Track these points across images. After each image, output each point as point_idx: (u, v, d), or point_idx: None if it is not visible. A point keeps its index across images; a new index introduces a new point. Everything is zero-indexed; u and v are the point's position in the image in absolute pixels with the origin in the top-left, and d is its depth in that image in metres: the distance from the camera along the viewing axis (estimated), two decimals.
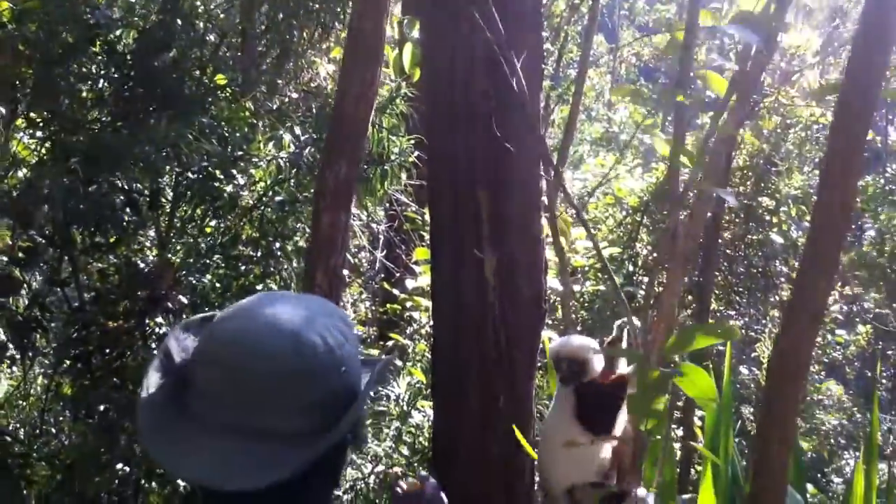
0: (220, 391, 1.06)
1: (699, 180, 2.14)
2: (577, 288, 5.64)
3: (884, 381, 12.56)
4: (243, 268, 3.52)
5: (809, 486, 6.98)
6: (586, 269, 5.79)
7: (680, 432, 6.05)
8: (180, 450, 1.06)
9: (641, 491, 2.18)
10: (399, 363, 4.65)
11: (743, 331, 8.61)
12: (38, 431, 3.98)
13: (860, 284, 9.82)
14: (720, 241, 6.95)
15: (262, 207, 3.68)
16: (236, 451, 1.03)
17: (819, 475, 9.51)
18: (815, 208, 1.43)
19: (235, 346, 1.06)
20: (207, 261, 3.49)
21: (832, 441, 10.15)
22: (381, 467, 4.27)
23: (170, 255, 3.52)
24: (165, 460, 1.10)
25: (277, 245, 3.58)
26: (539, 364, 4.58)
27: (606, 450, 2.21)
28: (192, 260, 3.43)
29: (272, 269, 3.58)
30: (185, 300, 3.30)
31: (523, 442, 3.10)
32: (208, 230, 3.80)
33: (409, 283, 4.57)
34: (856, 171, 1.36)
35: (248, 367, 1.05)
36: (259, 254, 3.62)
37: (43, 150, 3.66)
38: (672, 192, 2.53)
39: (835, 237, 1.37)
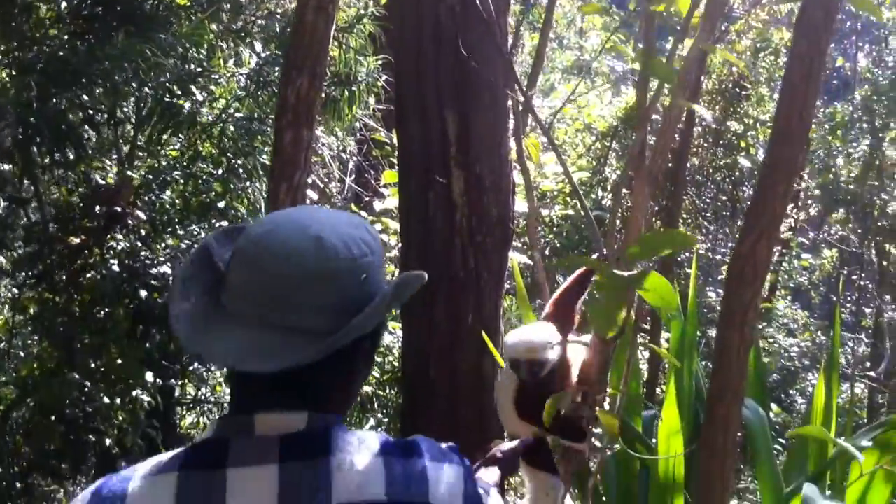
0: (247, 288, 1.14)
1: (669, 96, 2.14)
2: (545, 212, 5.66)
3: (848, 304, 12.81)
4: (204, 185, 3.51)
5: (773, 406, 7.16)
6: (555, 193, 5.80)
7: (646, 354, 6.16)
8: (212, 339, 1.15)
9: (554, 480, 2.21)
10: None
11: (710, 254, 8.72)
12: (6, 357, 3.99)
13: (826, 209, 9.92)
14: (689, 165, 6.98)
15: (222, 124, 3.66)
16: (257, 340, 1.12)
17: (783, 396, 9.74)
18: (776, 114, 1.44)
19: (262, 245, 1.14)
20: (167, 178, 3.47)
21: (796, 363, 10.38)
22: None
23: (130, 173, 3.48)
24: (200, 350, 1.18)
25: (239, 163, 3.57)
26: (507, 285, 4.63)
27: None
28: (151, 177, 3.40)
29: (234, 186, 3.57)
30: (143, 216, 3.29)
31: (495, 353, 3.14)
32: (172, 153, 3.76)
33: (378, 206, 4.56)
34: (816, 76, 1.36)
35: (272, 266, 1.12)
36: (220, 171, 3.61)
37: (0, 68, 3.58)
38: (640, 107, 2.53)
39: (795, 141, 1.39)
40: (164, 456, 1.17)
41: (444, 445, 1.26)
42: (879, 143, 9.09)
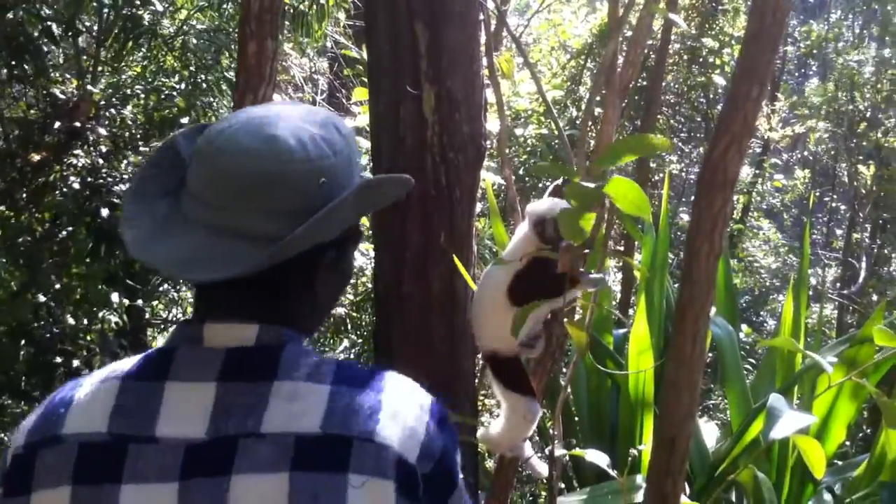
0: (200, 188, 1.08)
1: (641, 9, 2.09)
2: (519, 132, 5.61)
3: (820, 226, 12.93)
4: (166, 99, 3.43)
5: (744, 326, 7.26)
6: (529, 112, 5.74)
7: (619, 275, 6.19)
8: (160, 245, 1.09)
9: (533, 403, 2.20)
10: None
11: (683, 174, 8.73)
12: None
13: (804, 124, 9.91)
14: (663, 83, 6.92)
15: (185, 37, 3.55)
16: (205, 245, 1.06)
17: (754, 317, 9.88)
18: (749, 14, 1.40)
19: (216, 144, 1.07)
20: (129, 92, 3.38)
21: (767, 283, 10.50)
22: None
23: (90, 88, 3.39)
24: (145, 257, 1.10)
25: (203, 76, 3.48)
26: (481, 206, 4.60)
27: (536, 319, 2.17)
28: (112, 92, 3.31)
29: (198, 101, 3.49)
30: (104, 132, 3.20)
31: (466, 276, 3.13)
32: (134, 68, 3.67)
33: (348, 123, 4.47)
34: None
35: (223, 165, 1.06)
36: (183, 85, 3.52)
37: None
38: (611, 18, 2.48)
39: (767, 43, 1.35)
40: (120, 363, 1.11)
41: (418, 386, 1.15)
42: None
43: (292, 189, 1.05)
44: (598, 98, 3.81)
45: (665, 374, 1.54)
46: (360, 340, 4.37)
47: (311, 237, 1.06)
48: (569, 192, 1.40)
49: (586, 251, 2.05)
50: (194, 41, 3.57)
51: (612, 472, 1.99)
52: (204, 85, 3.56)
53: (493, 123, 3.91)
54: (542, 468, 2.30)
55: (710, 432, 3.70)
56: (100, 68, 3.61)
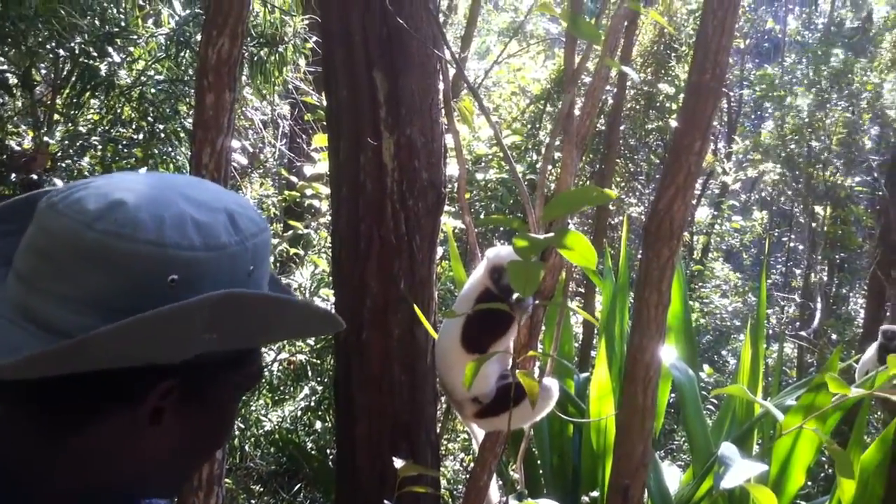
0: (18, 252, 0.81)
1: (597, 58, 2.14)
2: (480, 176, 5.65)
3: (779, 265, 13.12)
4: (125, 150, 3.42)
5: (706, 367, 7.31)
6: (490, 157, 5.79)
7: (581, 318, 6.22)
8: None
9: (547, 380, 2.23)
10: (301, 252, 4.62)
11: (643, 218, 8.82)
12: None
13: (756, 168, 10.10)
14: (621, 128, 7.03)
15: (142, 87, 3.55)
16: None
17: (716, 357, 9.95)
18: (690, 69, 1.44)
19: (55, 199, 0.79)
20: (86, 143, 3.36)
21: (728, 323, 10.60)
22: (284, 354, 4.29)
23: (47, 139, 3.37)
24: None
25: (161, 127, 3.48)
26: (442, 250, 4.62)
27: (505, 355, 2.20)
28: (68, 143, 3.29)
29: (156, 151, 3.48)
30: (60, 183, 3.18)
31: (425, 323, 3.14)
32: (93, 116, 3.65)
33: (308, 170, 4.50)
34: (729, 30, 1.36)
35: (44, 226, 0.78)
36: (141, 136, 3.52)
37: None
38: (567, 68, 2.52)
39: (709, 96, 1.39)
40: None
41: None
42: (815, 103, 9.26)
43: (121, 275, 0.75)
44: (557, 143, 3.87)
45: (617, 423, 1.56)
46: (320, 388, 4.35)
47: (121, 346, 0.73)
48: (516, 244, 1.42)
49: (543, 301, 2.07)
50: (152, 91, 3.57)
51: None
52: (162, 135, 3.55)
53: (452, 168, 3.95)
54: None
55: (672, 475, 3.71)
56: (56, 118, 3.60)
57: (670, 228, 1.46)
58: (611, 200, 1.33)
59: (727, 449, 1.66)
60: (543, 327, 3.31)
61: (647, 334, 1.51)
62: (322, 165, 4.27)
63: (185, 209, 0.78)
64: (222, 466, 2.30)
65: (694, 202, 11.06)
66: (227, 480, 3.96)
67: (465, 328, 2.19)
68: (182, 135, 3.61)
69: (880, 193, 9.19)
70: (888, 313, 8.59)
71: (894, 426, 3.03)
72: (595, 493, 2.80)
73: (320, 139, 4.05)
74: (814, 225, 9.95)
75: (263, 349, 4.18)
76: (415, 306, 3.12)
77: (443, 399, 4.69)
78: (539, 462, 3.78)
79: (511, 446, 3.39)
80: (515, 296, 1.96)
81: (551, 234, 1.43)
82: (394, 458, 2.28)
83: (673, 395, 5.37)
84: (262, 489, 4.33)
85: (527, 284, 1.53)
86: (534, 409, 2.10)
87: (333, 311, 3.57)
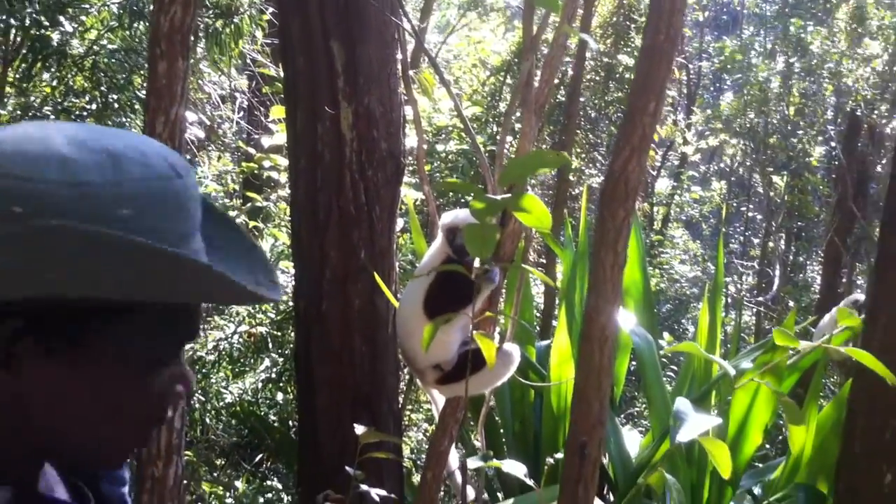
0: None
1: (556, 27, 2.13)
2: (441, 148, 5.65)
3: (737, 235, 13.29)
4: (77, 121, 3.36)
5: (666, 334, 7.40)
6: (450, 128, 5.78)
7: (542, 287, 6.25)
8: None
9: (508, 346, 2.23)
10: (261, 225, 4.59)
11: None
12: None
13: (717, 138, 10.20)
14: (581, 100, 7.05)
15: (95, 57, 3.49)
16: None
17: (675, 325, 10.08)
18: (644, 32, 1.45)
19: None
20: (38, 114, 3.31)
21: (687, 292, 10.74)
22: (244, 327, 4.28)
23: None
24: None
25: (114, 97, 3.42)
26: (401, 223, 4.62)
27: (462, 327, 2.20)
28: (20, 114, 3.24)
29: (109, 123, 3.43)
30: None
31: (386, 293, 3.14)
32: (45, 88, 3.59)
33: (266, 142, 4.46)
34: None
35: None
36: (94, 107, 3.46)
37: None
38: (525, 37, 2.52)
39: (662, 59, 1.40)
40: None
41: None
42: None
43: None
44: (515, 114, 3.87)
45: (574, 383, 1.57)
46: (281, 360, 4.34)
47: None
48: (472, 206, 1.42)
49: (502, 264, 2.07)
50: (105, 61, 3.51)
51: (531, 482, 2.01)
52: (116, 105, 3.50)
53: (412, 140, 3.94)
54: (470, 491, 2.31)
55: (633, 440, 3.76)
56: (7, 90, 3.52)
57: (625, 189, 1.47)
58: (567, 164, 1.34)
59: (682, 404, 1.69)
60: (504, 294, 3.33)
61: (603, 295, 1.52)
62: (280, 137, 4.24)
63: (58, 147, 0.74)
64: (181, 436, 2.29)
65: (654, 173, 11.15)
66: (187, 453, 3.95)
67: (428, 296, 2.18)
68: (136, 106, 3.56)
69: (836, 163, 9.33)
70: (844, 279, 8.75)
71: (849, 386, 3.08)
72: (558, 455, 2.82)
73: (278, 110, 4.02)
74: (772, 194, 10.08)
75: (223, 323, 4.13)
76: (375, 276, 3.12)
77: (405, 370, 4.70)
78: (501, 429, 3.81)
79: (473, 412, 3.41)
80: (483, 267, 1.97)
81: (507, 196, 1.43)
82: (354, 426, 2.28)
83: (633, 363, 5.43)
84: (224, 462, 4.33)
85: (482, 247, 1.54)
86: (492, 373, 2.12)
87: (294, 283, 3.56)
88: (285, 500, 4.36)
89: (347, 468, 2.34)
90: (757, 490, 3.62)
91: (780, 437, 5.77)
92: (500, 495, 3.76)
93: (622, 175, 1.46)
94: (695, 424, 1.60)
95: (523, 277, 2.61)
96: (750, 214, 12.48)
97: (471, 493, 2.37)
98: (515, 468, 2.05)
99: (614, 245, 1.50)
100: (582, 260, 3.76)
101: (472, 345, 2.15)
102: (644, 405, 6.48)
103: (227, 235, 0.89)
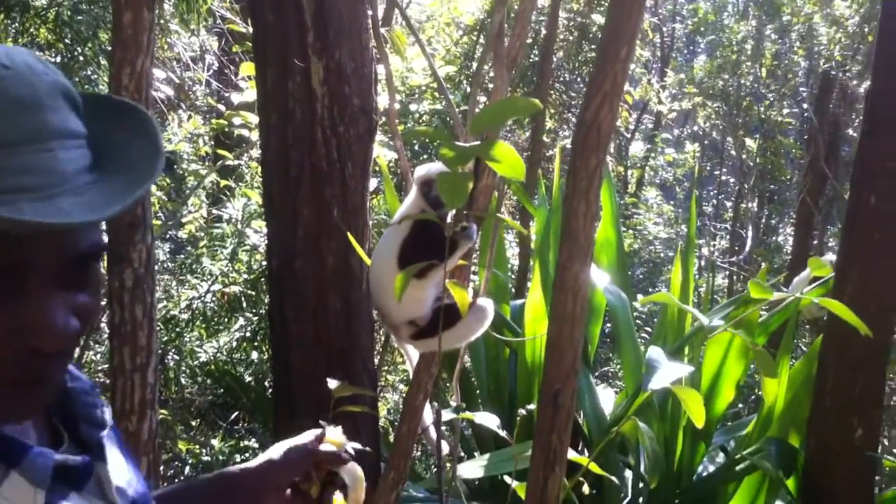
0: None
1: None
2: (414, 107, 5.60)
3: (711, 199, 13.35)
4: None
5: (640, 296, 7.45)
6: (424, 88, 5.74)
7: (517, 248, 6.27)
8: None
9: (482, 300, 2.22)
10: (232, 185, 4.55)
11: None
12: None
13: (691, 101, 10.21)
14: (555, 59, 7.01)
15: (58, 8, 3.41)
16: None
17: (650, 289, 10.15)
18: None
19: None
20: None
21: (661, 255, 10.79)
22: (217, 286, 4.25)
23: None
24: None
25: (79, 49, 3.35)
26: (375, 183, 4.59)
27: (436, 283, 2.17)
28: None
29: (76, 76, 3.36)
30: None
31: (359, 251, 3.12)
32: (8, 42, 3.51)
33: (235, 98, 4.40)
34: None
35: None
36: (59, 59, 3.39)
37: None
38: None
39: (631, 6, 1.38)
40: None
41: None
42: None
43: None
44: (486, 68, 3.85)
45: (547, 333, 1.57)
46: (255, 318, 4.33)
47: None
48: (442, 154, 1.40)
49: (473, 217, 2.06)
50: (68, 13, 3.43)
51: (503, 434, 2.02)
52: (81, 58, 3.42)
53: (384, 99, 3.90)
54: (443, 446, 2.32)
55: (607, 398, 3.79)
56: None
57: (598, 137, 1.46)
58: (540, 112, 1.32)
59: (654, 353, 1.69)
60: (477, 252, 3.33)
61: (576, 244, 1.51)
62: (250, 94, 4.18)
63: None
64: (154, 391, 2.28)
65: (628, 136, 11.16)
66: (163, 411, 3.93)
67: (402, 251, 2.16)
68: (103, 61, 3.49)
69: (806, 126, 9.36)
70: (815, 241, 8.82)
71: (820, 342, 3.11)
72: (531, 406, 2.84)
73: (248, 67, 3.96)
74: (744, 157, 10.12)
75: (196, 282, 4.08)
76: (348, 234, 3.10)
77: (381, 332, 4.70)
78: (476, 387, 3.83)
79: (448, 369, 3.42)
80: (461, 223, 1.95)
81: (477, 143, 1.41)
82: (328, 381, 2.28)
83: (608, 325, 5.46)
84: (199, 421, 4.32)
85: (455, 196, 1.52)
86: (466, 328, 2.11)
87: (266, 242, 3.53)
88: None
89: (321, 421, 2.33)
90: (730, 446, 3.66)
91: (753, 397, 5.85)
92: (476, 453, 3.78)
93: (594, 123, 1.44)
94: (667, 372, 1.61)
95: (496, 233, 2.61)
96: (723, 178, 12.54)
97: (445, 448, 2.37)
98: (488, 420, 2.06)
99: (587, 194, 1.49)
100: (555, 217, 3.76)
101: (446, 301, 2.15)
102: (619, 366, 6.54)
103: (127, 127, 0.85)
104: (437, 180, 1.78)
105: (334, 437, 1.38)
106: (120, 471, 0.98)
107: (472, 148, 1.42)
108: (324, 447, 1.34)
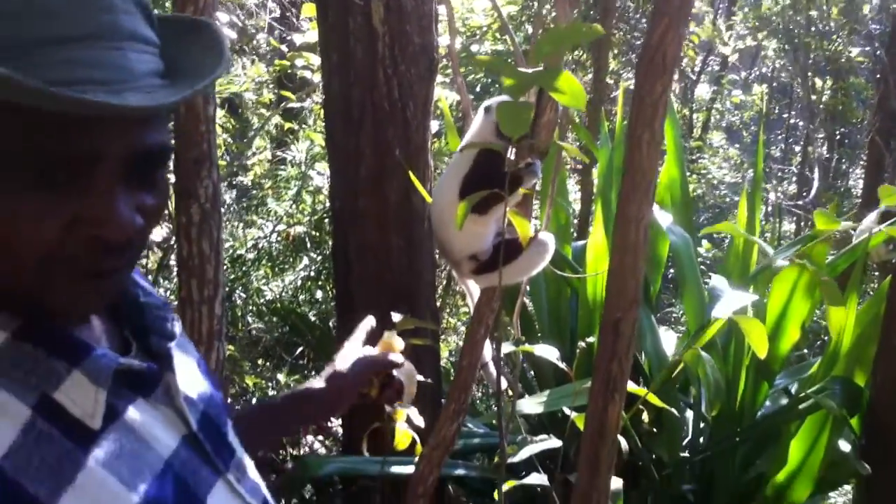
0: None
1: None
2: (475, 48, 5.56)
3: (779, 142, 13.05)
4: None
5: (705, 242, 7.35)
6: (485, 29, 5.68)
7: (579, 194, 6.22)
8: None
9: (543, 234, 2.21)
10: (296, 127, 4.59)
11: None
12: None
13: (755, 38, 9.92)
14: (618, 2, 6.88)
15: None
16: None
17: (715, 235, 9.99)
18: None
19: None
20: None
21: (727, 200, 10.61)
22: (282, 226, 4.31)
23: None
24: None
25: None
26: (437, 126, 4.59)
27: (497, 219, 2.16)
28: None
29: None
30: None
31: (421, 189, 3.14)
32: None
33: (297, 39, 4.42)
34: None
35: None
36: None
37: None
38: None
39: None
40: None
41: None
42: None
43: None
44: (548, 7, 3.81)
45: (609, 262, 1.57)
46: (319, 258, 4.39)
47: None
48: (504, 83, 1.40)
49: (536, 154, 2.05)
50: None
51: (563, 366, 2.03)
52: None
53: (445, 39, 3.88)
54: (502, 380, 2.34)
55: (669, 340, 3.77)
56: None
57: (663, 62, 1.43)
58: (599, 34, 1.30)
59: (718, 281, 1.68)
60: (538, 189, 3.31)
61: (640, 172, 1.50)
62: (312, 35, 4.19)
63: None
64: (222, 322, 2.34)
65: (693, 77, 10.93)
66: (230, 347, 4.04)
67: (464, 185, 2.15)
68: (167, 3, 3.53)
69: (878, 66, 9.04)
70: (887, 184, 8.55)
71: (889, 281, 3.05)
72: (591, 339, 2.84)
73: (310, 8, 3.97)
74: (813, 98, 9.84)
75: (261, 222, 4.15)
76: (410, 173, 3.12)
77: (443, 273, 4.74)
78: (537, 328, 3.84)
79: (508, 305, 3.44)
80: (524, 161, 1.93)
81: (539, 70, 1.41)
82: (391, 314, 2.31)
83: (671, 270, 5.41)
84: (265, 358, 4.42)
85: (516, 125, 1.52)
86: (527, 261, 2.11)
87: (329, 183, 3.56)
88: None
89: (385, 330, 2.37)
90: (793, 388, 3.62)
91: (819, 343, 5.77)
92: (537, 391, 3.81)
93: (659, 47, 1.42)
94: (731, 301, 1.60)
95: (558, 168, 2.60)
96: (792, 122, 12.22)
97: (505, 383, 2.40)
98: (548, 352, 2.08)
99: (651, 122, 1.48)
100: (618, 154, 3.72)
101: (507, 236, 2.15)
102: (682, 312, 6.48)
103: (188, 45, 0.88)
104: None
105: (391, 341, 1.58)
106: (191, 383, 1.01)
107: (532, 75, 1.41)
108: (382, 354, 1.51)
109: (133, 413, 0.87)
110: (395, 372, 1.50)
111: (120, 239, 0.80)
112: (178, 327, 1.01)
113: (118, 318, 0.97)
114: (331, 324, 4.40)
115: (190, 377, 1.01)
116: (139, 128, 0.80)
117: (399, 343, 1.57)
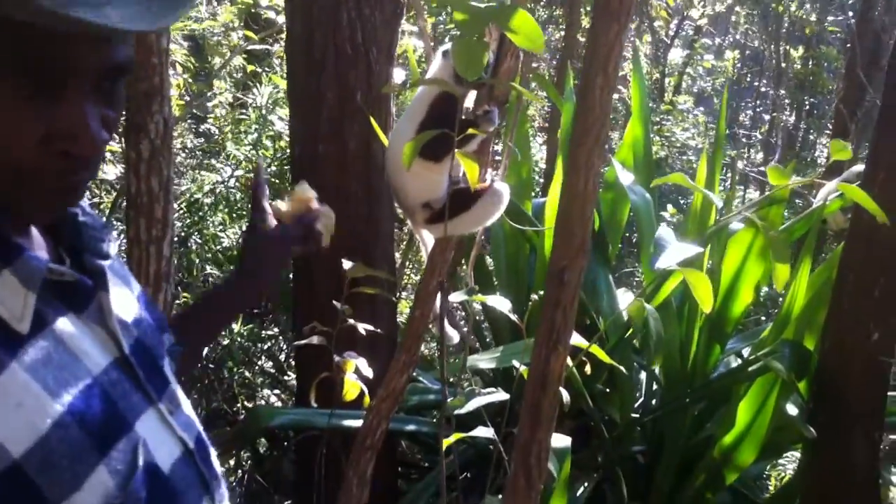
0: None
1: None
2: None
3: (748, 110, 13.07)
4: None
5: (669, 206, 7.36)
6: None
7: (544, 149, 6.20)
8: None
9: (498, 183, 2.17)
10: (259, 70, 4.50)
11: None
12: None
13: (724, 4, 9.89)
14: None
15: None
16: None
17: (680, 199, 10.03)
18: None
19: None
20: None
21: (694, 165, 10.63)
22: (240, 171, 4.24)
23: None
24: None
25: None
26: (405, 74, 4.52)
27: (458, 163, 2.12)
28: None
29: None
30: None
31: (382, 137, 3.09)
32: None
33: None
34: None
35: None
36: None
37: None
38: None
39: None
40: None
41: None
42: None
43: None
44: None
45: (558, 210, 1.55)
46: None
47: None
48: (456, 18, 1.36)
49: (496, 102, 2.01)
50: None
51: (514, 318, 2.01)
52: None
53: None
54: (454, 333, 2.31)
55: (626, 299, 3.77)
56: None
57: (619, 3, 1.40)
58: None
59: (664, 231, 1.66)
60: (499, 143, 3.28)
61: (592, 117, 1.47)
62: None
63: None
64: (170, 264, 2.30)
65: (667, 41, 10.89)
66: (185, 294, 3.99)
67: (420, 129, 2.11)
68: None
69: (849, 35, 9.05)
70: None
71: (842, 248, 3.06)
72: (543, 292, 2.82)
73: None
74: (783, 65, 9.85)
75: (220, 166, 4.08)
76: (371, 119, 3.07)
77: (406, 228, 4.69)
78: (496, 284, 3.83)
79: (466, 257, 3.41)
80: (482, 108, 1.89)
81: (492, 6, 1.37)
82: (342, 262, 2.28)
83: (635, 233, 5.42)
84: None
85: (470, 64, 1.48)
86: (481, 211, 2.08)
87: (289, 128, 3.50)
88: (282, 345, 4.44)
89: (335, 302, 2.34)
90: (746, 351, 3.64)
91: (775, 310, 5.82)
92: (491, 344, 3.81)
93: None
94: (675, 251, 1.58)
95: (517, 116, 2.56)
96: (763, 90, 12.24)
97: (457, 336, 2.37)
98: (500, 303, 2.06)
99: (605, 64, 1.44)
100: None
101: (463, 185, 2.11)
102: (641, 273, 6.51)
103: None
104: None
105: (302, 195, 1.58)
106: (126, 308, 1.00)
107: (485, 11, 1.37)
108: (296, 207, 1.56)
109: (63, 324, 0.87)
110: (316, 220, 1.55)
111: (91, 154, 0.83)
112: (112, 249, 1.01)
113: (56, 235, 0.97)
114: (288, 271, 4.35)
115: (125, 302, 1.01)
116: (112, 44, 0.82)
117: (311, 192, 1.59)
